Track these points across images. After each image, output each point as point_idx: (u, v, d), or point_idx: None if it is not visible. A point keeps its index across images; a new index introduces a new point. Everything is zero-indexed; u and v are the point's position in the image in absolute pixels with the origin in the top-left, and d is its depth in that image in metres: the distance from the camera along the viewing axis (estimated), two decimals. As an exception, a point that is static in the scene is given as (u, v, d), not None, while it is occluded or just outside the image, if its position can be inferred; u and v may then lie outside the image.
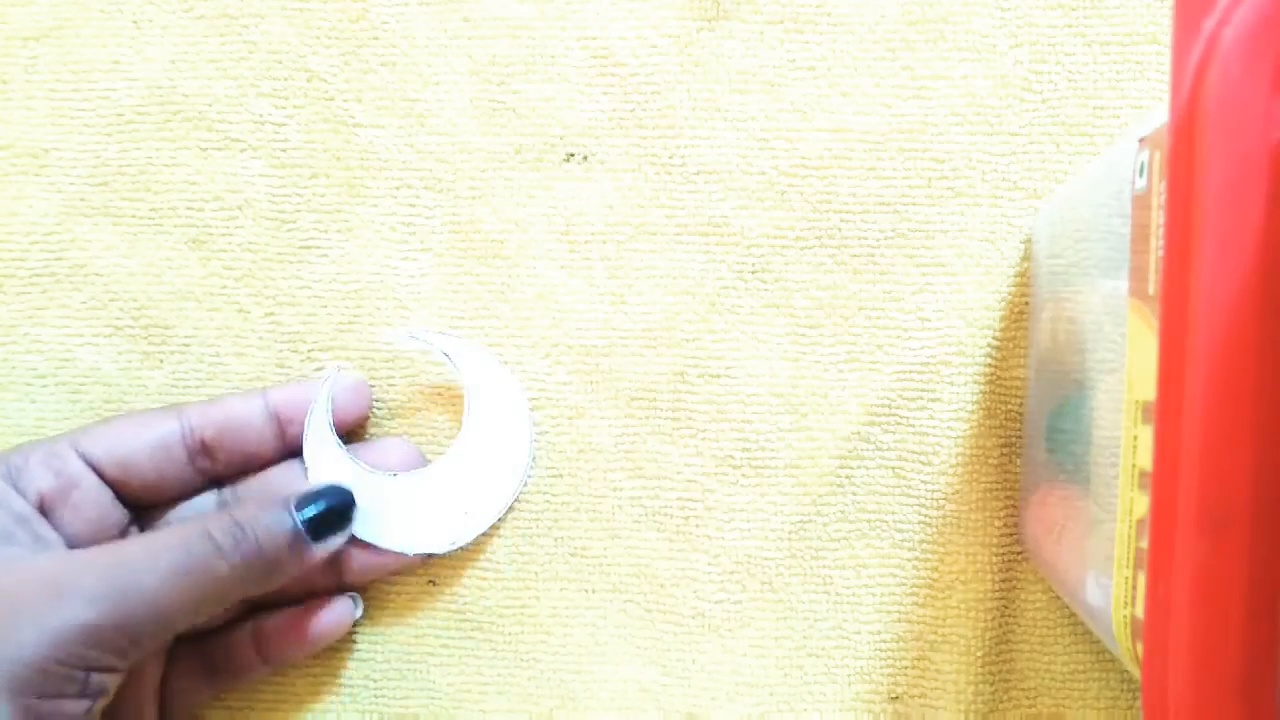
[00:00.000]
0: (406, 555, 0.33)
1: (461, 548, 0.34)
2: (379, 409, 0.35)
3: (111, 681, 0.27)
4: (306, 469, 0.33)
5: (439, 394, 0.35)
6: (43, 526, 0.29)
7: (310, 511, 0.30)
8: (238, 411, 0.32)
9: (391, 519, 0.33)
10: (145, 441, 0.31)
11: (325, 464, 0.33)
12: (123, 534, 0.31)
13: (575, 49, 0.34)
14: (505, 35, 0.35)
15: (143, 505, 0.32)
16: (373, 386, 0.35)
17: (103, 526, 0.30)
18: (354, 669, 0.35)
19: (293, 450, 0.33)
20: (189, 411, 0.32)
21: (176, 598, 0.28)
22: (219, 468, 0.32)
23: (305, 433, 0.33)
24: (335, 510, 0.31)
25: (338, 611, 0.33)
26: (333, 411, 0.33)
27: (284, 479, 0.33)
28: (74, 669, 0.26)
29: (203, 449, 0.32)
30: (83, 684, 0.26)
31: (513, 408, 0.34)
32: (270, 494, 0.32)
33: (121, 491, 0.31)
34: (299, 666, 0.35)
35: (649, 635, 0.34)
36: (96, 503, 0.30)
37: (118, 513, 0.31)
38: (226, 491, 0.33)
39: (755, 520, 0.34)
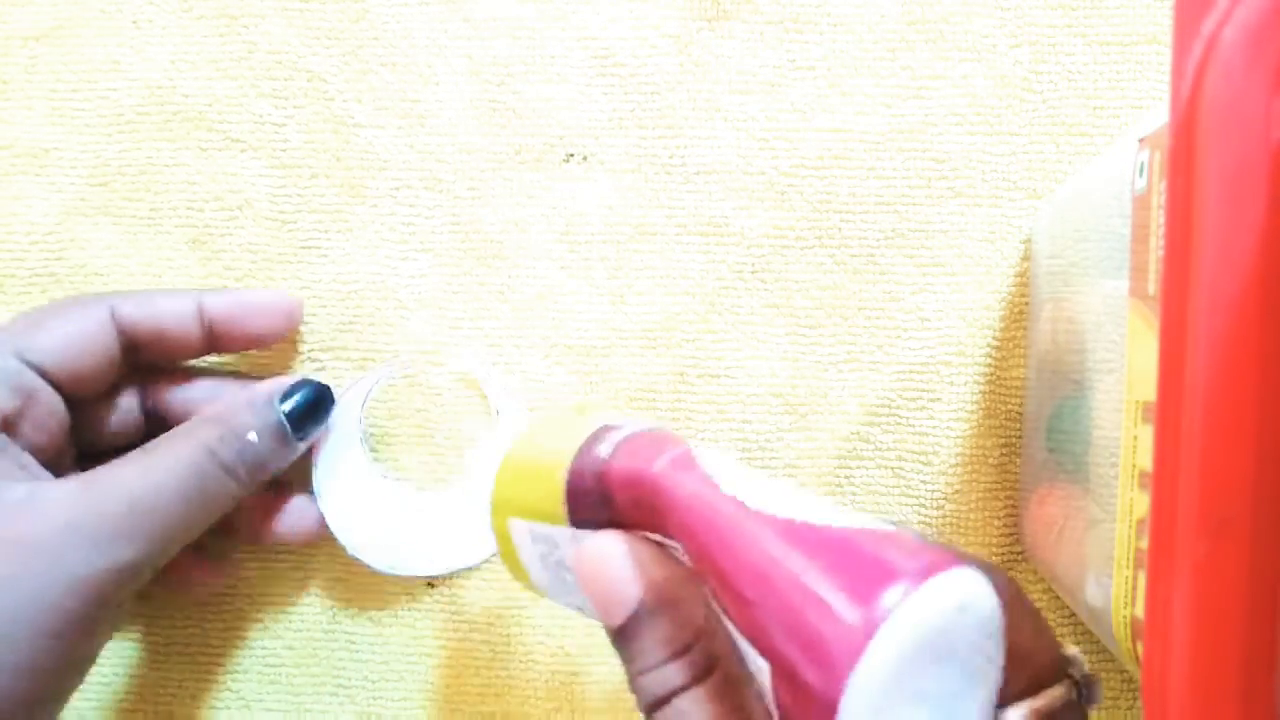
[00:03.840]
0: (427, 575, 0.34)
1: (476, 565, 0.34)
2: (388, 418, 0.35)
3: (130, 602, 0.29)
4: (315, 465, 0.33)
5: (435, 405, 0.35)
6: (13, 449, 0.29)
7: (291, 405, 0.31)
8: (167, 318, 0.31)
9: (416, 535, 0.34)
10: (85, 344, 0.30)
11: (343, 466, 0.33)
12: (66, 435, 0.31)
13: (575, 49, 0.34)
14: (505, 35, 0.35)
15: (74, 400, 0.31)
16: (356, 379, 0.35)
17: (58, 432, 0.30)
18: (354, 669, 0.35)
19: (211, 349, 0.33)
20: (121, 308, 0.31)
21: (196, 521, 0.29)
22: (142, 361, 0.32)
23: (327, 430, 0.33)
24: (315, 401, 0.32)
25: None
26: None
27: (207, 389, 0.33)
28: (106, 607, 0.27)
29: (133, 345, 0.31)
30: (113, 616, 0.28)
31: (523, 425, 0.34)
32: (241, 395, 0.31)
33: (62, 391, 0.30)
34: (297, 666, 0.35)
35: (649, 635, 0.34)
36: (53, 412, 0.30)
37: (64, 414, 0.30)
38: (150, 394, 0.33)
39: (755, 520, 0.34)
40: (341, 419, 0.33)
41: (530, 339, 0.35)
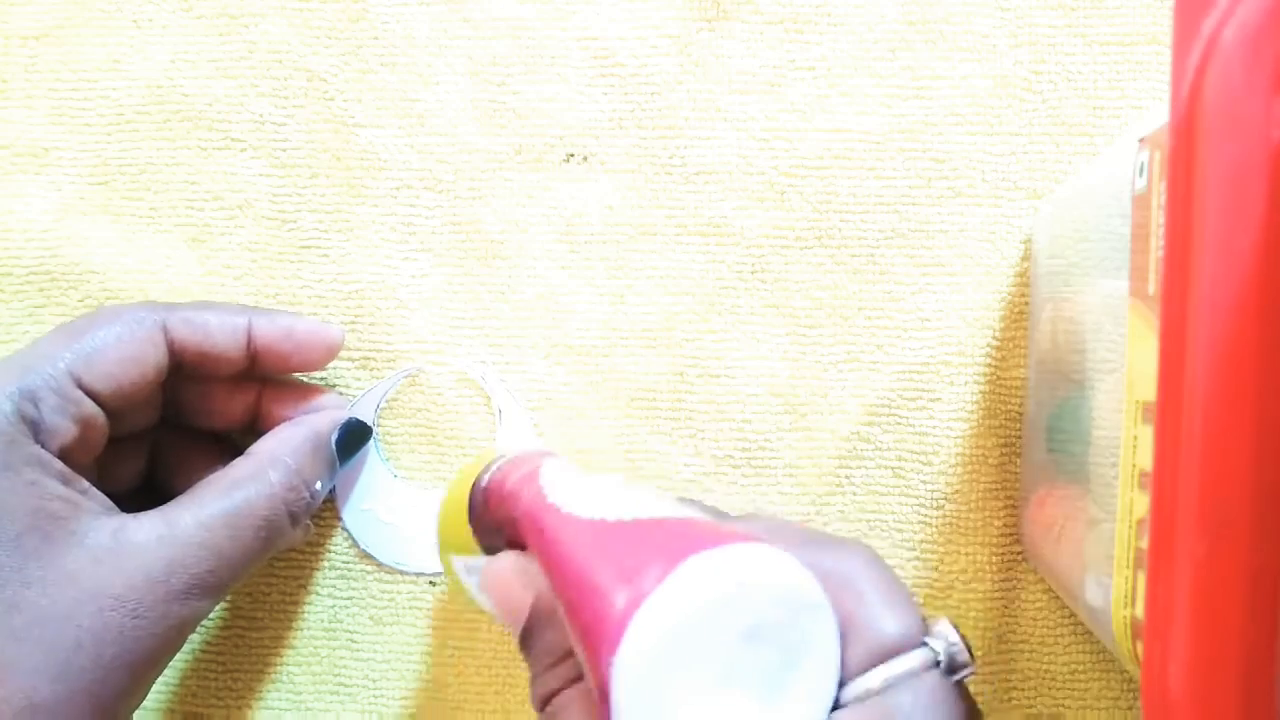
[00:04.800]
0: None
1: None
2: (389, 417, 0.35)
3: None
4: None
5: (438, 407, 0.35)
6: (81, 482, 0.28)
7: (342, 442, 0.33)
8: (219, 342, 0.31)
9: (422, 533, 0.34)
10: (139, 368, 0.30)
11: (357, 466, 0.34)
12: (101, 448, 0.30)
13: (575, 49, 0.34)
14: (505, 35, 0.35)
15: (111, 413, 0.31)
16: (372, 385, 0.35)
17: (99, 449, 0.30)
18: (354, 669, 0.35)
19: (250, 370, 0.33)
20: (175, 329, 0.31)
21: (257, 560, 0.30)
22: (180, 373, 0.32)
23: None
24: (361, 439, 0.34)
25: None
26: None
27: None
28: (172, 651, 0.29)
29: (178, 364, 0.31)
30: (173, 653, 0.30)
31: (525, 428, 0.34)
32: (304, 434, 0.32)
33: (106, 410, 0.30)
34: (298, 665, 0.35)
35: (649, 635, 0.34)
36: (101, 433, 0.30)
37: (106, 432, 0.30)
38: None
39: (755, 520, 0.34)
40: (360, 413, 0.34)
41: (530, 339, 0.35)
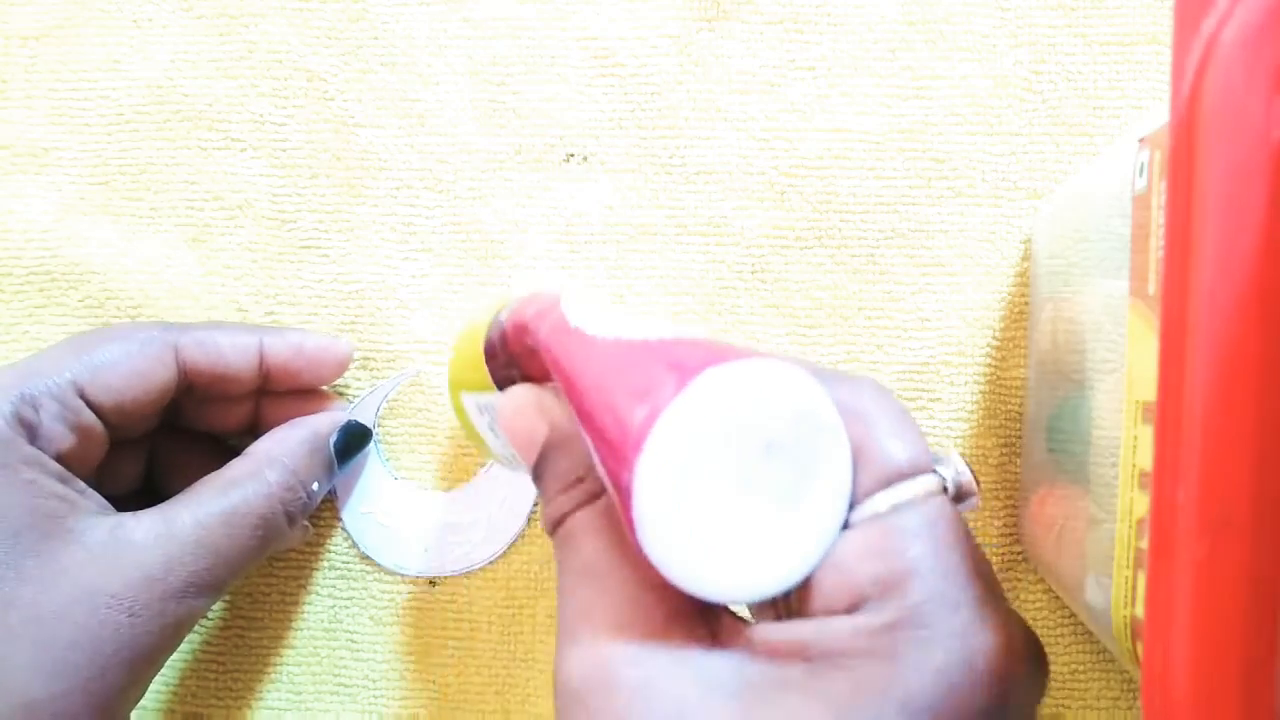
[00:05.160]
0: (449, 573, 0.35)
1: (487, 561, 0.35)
2: (389, 418, 0.35)
3: None
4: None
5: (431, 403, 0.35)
6: (78, 483, 0.29)
7: (341, 444, 0.33)
8: (231, 364, 0.31)
9: (421, 535, 0.34)
10: (146, 388, 0.30)
11: (358, 468, 0.34)
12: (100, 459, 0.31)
13: (575, 49, 0.34)
14: (505, 35, 0.35)
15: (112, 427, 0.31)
16: (373, 388, 0.35)
17: (97, 460, 0.30)
18: (354, 669, 0.35)
19: (261, 388, 0.33)
20: (185, 350, 0.31)
21: (254, 559, 0.30)
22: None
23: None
24: (361, 441, 0.34)
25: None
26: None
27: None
28: (169, 651, 0.29)
29: (187, 384, 0.31)
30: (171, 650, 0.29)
31: None
32: (302, 435, 0.32)
33: (108, 424, 0.30)
34: (299, 665, 0.35)
35: (649, 635, 0.34)
36: (100, 445, 0.30)
37: (105, 444, 0.30)
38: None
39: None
40: (361, 416, 0.34)
41: (530, 339, 0.35)
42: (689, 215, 0.34)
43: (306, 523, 0.34)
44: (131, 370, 0.29)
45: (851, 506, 0.21)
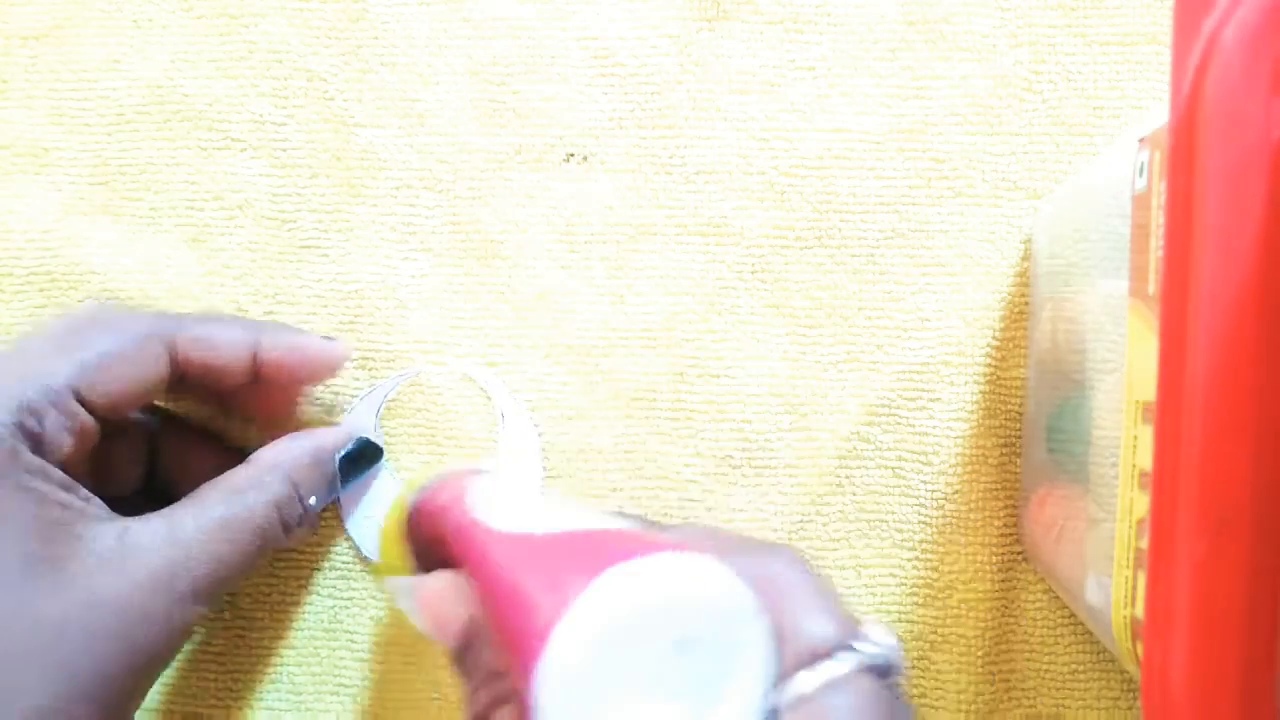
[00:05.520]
0: None
1: None
2: (389, 418, 0.35)
3: None
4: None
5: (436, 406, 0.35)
6: (82, 490, 0.28)
7: (347, 460, 0.33)
8: (225, 360, 0.31)
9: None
10: (140, 386, 0.30)
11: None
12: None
13: (575, 49, 0.34)
14: (505, 35, 0.35)
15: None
16: (373, 387, 0.35)
17: (88, 456, 0.30)
18: (354, 669, 0.35)
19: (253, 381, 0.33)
20: (180, 346, 0.30)
21: (251, 567, 0.30)
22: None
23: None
24: (369, 459, 0.34)
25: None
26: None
27: None
28: (166, 660, 0.29)
29: (179, 377, 0.31)
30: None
31: (527, 430, 0.34)
32: (307, 447, 0.32)
33: (97, 416, 0.30)
34: (299, 665, 0.35)
35: (649, 635, 0.34)
36: (95, 440, 0.30)
37: (97, 439, 0.30)
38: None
39: (755, 520, 0.34)
40: (358, 424, 0.34)
41: (530, 339, 0.35)
42: (689, 215, 0.34)
43: (315, 514, 0.34)
44: (126, 371, 0.29)
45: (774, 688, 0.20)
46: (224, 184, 0.35)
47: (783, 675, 0.20)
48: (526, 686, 0.19)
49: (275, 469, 0.31)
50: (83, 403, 0.28)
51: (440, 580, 0.25)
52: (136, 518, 0.28)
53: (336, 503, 0.34)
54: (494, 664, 0.23)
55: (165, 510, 0.29)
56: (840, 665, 0.20)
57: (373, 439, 0.34)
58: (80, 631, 0.26)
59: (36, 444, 0.27)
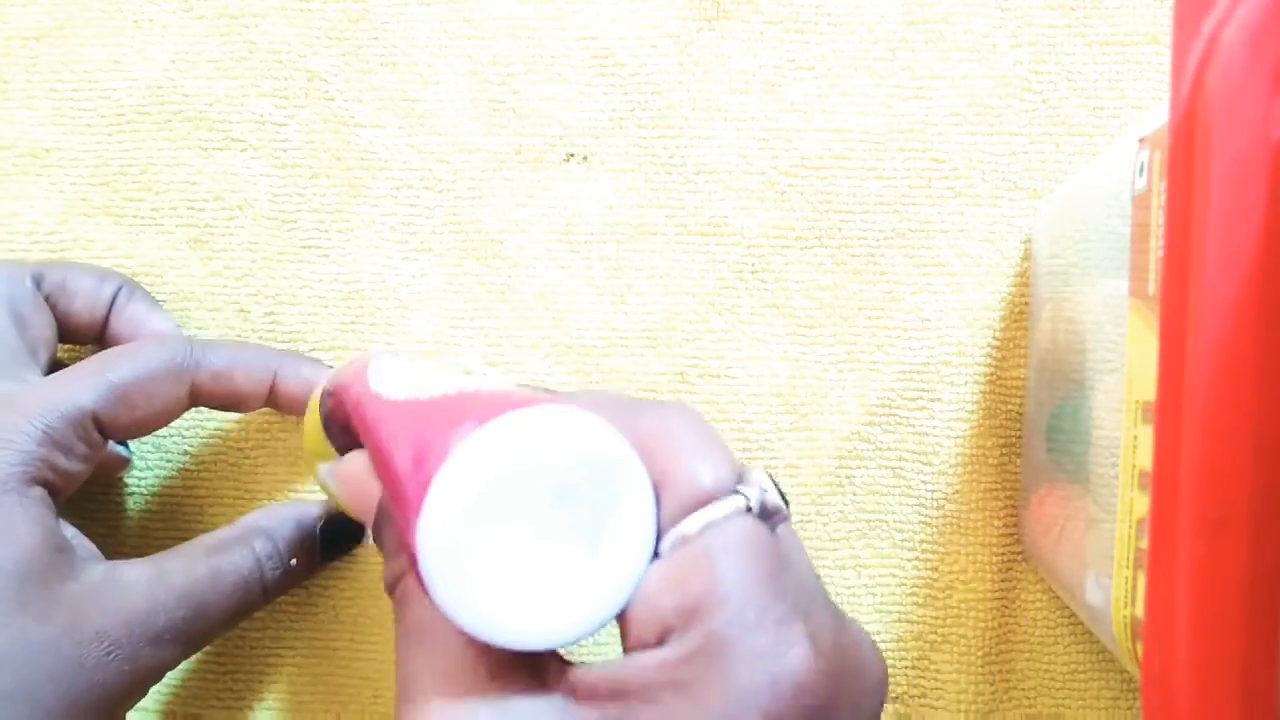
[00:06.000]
0: None
1: None
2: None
3: None
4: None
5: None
6: (71, 534, 0.30)
7: (329, 535, 0.33)
8: (242, 393, 0.32)
9: None
10: (159, 422, 0.31)
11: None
12: None
13: (575, 49, 0.34)
14: (505, 35, 0.35)
15: None
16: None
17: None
18: (354, 669, 0.35)
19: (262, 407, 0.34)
20: (203, 385, 0.31)
21: (227, 625, 0.31)
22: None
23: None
24: (350, 537, 0.34)
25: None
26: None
27: None
28: (140, 696, 0.30)
29: (193, 404, 0.32)
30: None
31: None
32: (290, 512, 0.33)
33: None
34: (299, 665, 0.35)
35: (649, 635, 0.34)
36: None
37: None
38: None
39: (755, 520, 0.34)
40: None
41: (530, 339, 0.35)
42: (689, 215, 0.34)
43: (282, 591, 0.34)
44: (146, 403, 0.30)
45: (661, 535, 0.21)
46: (225, 184, 0.35)
47: (670, 521, 0.21)
48: (410, 542, 0.19)
49: (260, 530, 0.32)
50: (102, 429, 0.29)
51: (356, 459, 0.26)
52: (124, 560, 0.29)
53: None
54: (399, 540, 0.23)
55: (153, 556, 0.30)
56: (722, 508, 0.20)
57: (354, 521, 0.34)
58: (55, 656, 0.26)
59: (56, 472, 0.28)
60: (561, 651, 0.22)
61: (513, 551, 0.20)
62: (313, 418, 0.29)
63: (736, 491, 0.21)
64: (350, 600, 0.35)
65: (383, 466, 0.22)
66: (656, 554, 0.21)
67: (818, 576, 0.22)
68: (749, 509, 0.21)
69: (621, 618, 0.21)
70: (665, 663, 0.19)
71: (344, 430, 0.27)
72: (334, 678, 0.35)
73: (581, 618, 0.20)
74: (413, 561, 0.21)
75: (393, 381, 0.24)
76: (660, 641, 0.20)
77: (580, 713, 0.20)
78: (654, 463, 0.21)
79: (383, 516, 0.25)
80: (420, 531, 0.19)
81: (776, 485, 0.21)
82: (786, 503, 0.22)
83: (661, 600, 0.20)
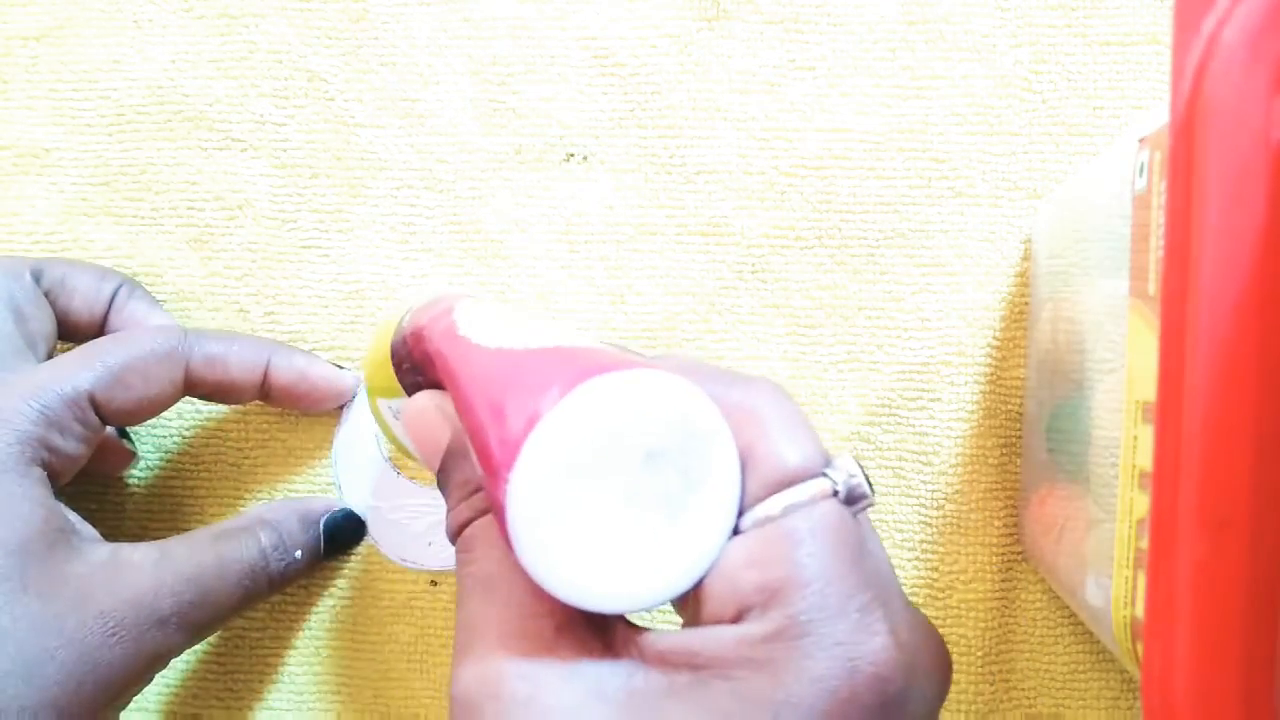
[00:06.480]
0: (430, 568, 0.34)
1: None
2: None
3: None
4: (334, 462, 0.34)
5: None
6: (75, 515, 0.29)
7: (333, 530, 0.33)
8: (236, 382, 0.32)
9: (425, 530, 0.34)
10: (154, 407, 0.31)
11: (360, 461, 0.34)
12: None
13: (575, 49, 0.34)
14: (505, 35, 0.35)
15: None
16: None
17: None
18: (354, 669, 0.35)
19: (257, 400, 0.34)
20: (196, 370, 0.31)
21: (232, 612, 0.31)
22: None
23: (341, 425, 0.34)
24: (353, 534, 0.34)
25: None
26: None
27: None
28: (144, 682, 0.29)
29: (189, 394, 0.32)
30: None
31: None
32: (295, 507, 0.33)
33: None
34: (299, 665, 0.35)
35: (649, 635, 0.34)
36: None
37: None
38: None
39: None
40: (359, 417, 0.34)
41: (530, 339, 0.35)
42: (689, 215, 0.34)
43: (287, 583, 0.34)
44: (142, 386, 0.30)
45: (742, 511, 0.21)
46: (225, 184, 0.35)
47: (752, 499, 0.21)
48: (500, 496, 0.19)
49: (265, 521, 0.32)
50: (98, 411, 0.29)
51: (426, 399, 0.25)
52: (128, 543, 0.29)
53: (339, 489, 0.34)
54: (476, 478, 0.23)
55: (158, 541, 0.30)
56: (805, 490, 0.20)
57: (357, 512, 0.34)
58: (58, 636, 0.26)
59: (52, 450, 0.28)
60: (630, 616, 0.22)
61: (600, 513, 0.20)
62: (380, 352, 0.28)
63: (824, 475, 0.21)
64: (350, 600, 0.35)
65: (469, 414, 0.21)
66: (736, 530, 0.21)
67: (892, 566, 0.22)
68: (835, 493, 0.21)
69: (697, 589, 0.20)
70: (743, 640, 0.19)
71: (416, 369, 0.27)
72: (334, 678, 0.35)
73: (660, 584, 0.20)
74: (486, 510, 0.21)
75: (484, 328, 0.24)
76: (737, 618, 0.20)
77: (648, 678, 0.20)
78: (740, 438, 0.21)
79: (451, 461, 0.24)
80: (512, 488, 0.19)
81: (864, 471, 0.21)
82: (873, 489, 0.21)
83: (742, 577, 0.20)
